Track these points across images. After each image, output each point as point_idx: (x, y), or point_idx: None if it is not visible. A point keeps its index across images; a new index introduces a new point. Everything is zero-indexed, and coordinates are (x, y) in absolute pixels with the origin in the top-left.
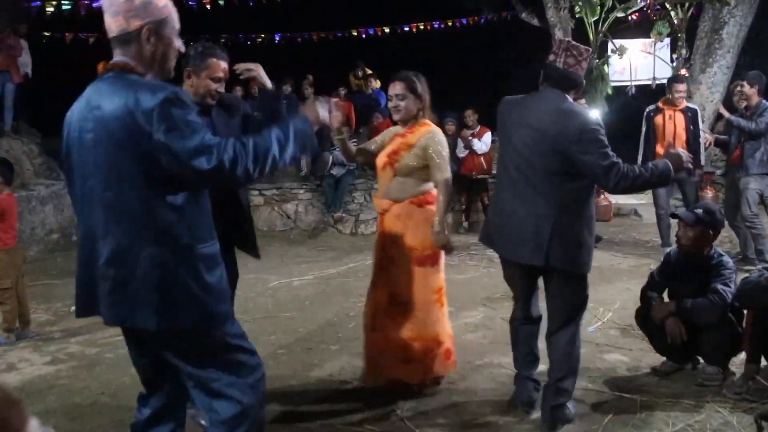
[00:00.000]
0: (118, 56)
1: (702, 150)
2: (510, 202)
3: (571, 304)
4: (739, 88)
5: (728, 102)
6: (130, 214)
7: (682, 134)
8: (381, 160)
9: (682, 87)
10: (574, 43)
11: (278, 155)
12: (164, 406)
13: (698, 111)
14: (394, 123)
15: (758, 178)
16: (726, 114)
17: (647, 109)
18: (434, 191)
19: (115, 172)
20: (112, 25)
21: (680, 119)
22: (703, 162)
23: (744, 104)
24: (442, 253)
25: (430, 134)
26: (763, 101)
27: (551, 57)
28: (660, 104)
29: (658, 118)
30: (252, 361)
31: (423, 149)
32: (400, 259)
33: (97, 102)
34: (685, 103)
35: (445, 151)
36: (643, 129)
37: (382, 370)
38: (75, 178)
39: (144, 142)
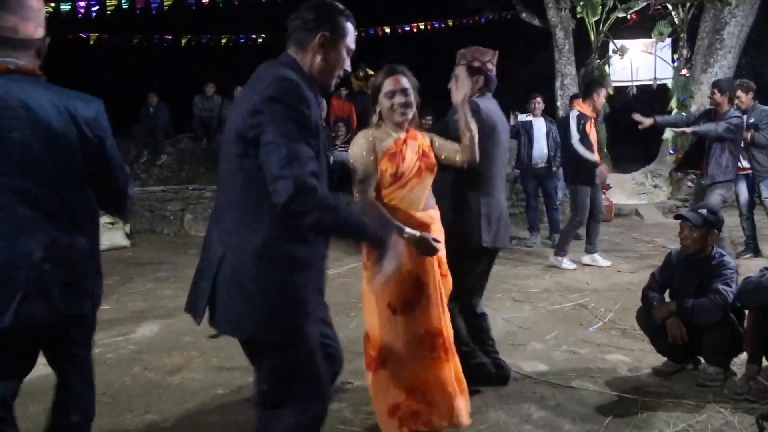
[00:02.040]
0: (11, 58)
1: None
2: (501, 199)
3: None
4: (710, 96)
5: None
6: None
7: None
8: (413, 166)
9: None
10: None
11: None
12: None
13: (568, 117)
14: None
15: (725, 185)
16: (688, 130)
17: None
18: None
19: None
20: (20, 27)
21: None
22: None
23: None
24: None
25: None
26: (732, 110)
27: (489, 66)
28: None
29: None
30: None
31: (429, 146)
32: (449, 269)
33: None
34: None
35: None
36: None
37: (424, 416)
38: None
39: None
